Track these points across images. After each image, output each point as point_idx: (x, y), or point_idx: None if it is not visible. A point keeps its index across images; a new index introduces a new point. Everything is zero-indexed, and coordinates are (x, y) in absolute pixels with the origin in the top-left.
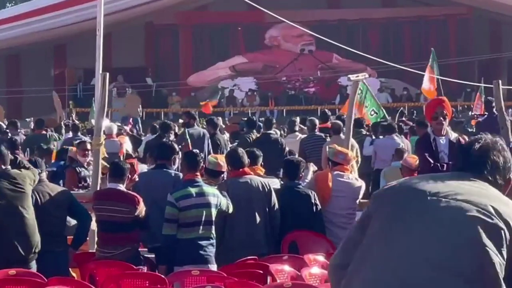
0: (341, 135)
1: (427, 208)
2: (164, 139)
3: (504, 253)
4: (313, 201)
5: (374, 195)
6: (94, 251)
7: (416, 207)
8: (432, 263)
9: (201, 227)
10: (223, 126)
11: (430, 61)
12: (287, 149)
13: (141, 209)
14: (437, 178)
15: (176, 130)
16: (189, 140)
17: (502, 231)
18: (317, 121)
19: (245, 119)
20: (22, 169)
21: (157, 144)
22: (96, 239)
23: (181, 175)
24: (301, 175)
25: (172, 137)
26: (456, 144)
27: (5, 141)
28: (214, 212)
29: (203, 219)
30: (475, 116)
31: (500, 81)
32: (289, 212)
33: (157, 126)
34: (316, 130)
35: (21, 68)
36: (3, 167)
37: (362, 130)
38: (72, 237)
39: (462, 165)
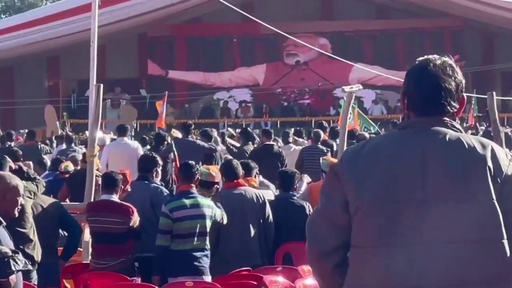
0: None
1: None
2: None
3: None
4: (307, 212)
5: (342, 171)
6: (88, 262)
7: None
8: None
9: (195, 238)
10: (218, 138)
11: None
12: (286, 162)
13: (135, 220)
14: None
15: (169, 140)
16: (176, 153)
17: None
18: (322, 133)
19: (238, 130)
20: (26, 181)
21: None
22: (90, 250)
23: (161, 188)
24: (295, 186)
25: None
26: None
27: (6, 152)
28: (208, 223)
29: (197, 230)
30: (471, 126)
31: (494, 93)
32: (283, 223)
33: (147, 138)
34: (319, 143)
35: (15, 80)
36: None
37: (354, 141)
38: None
39: (419, 111)
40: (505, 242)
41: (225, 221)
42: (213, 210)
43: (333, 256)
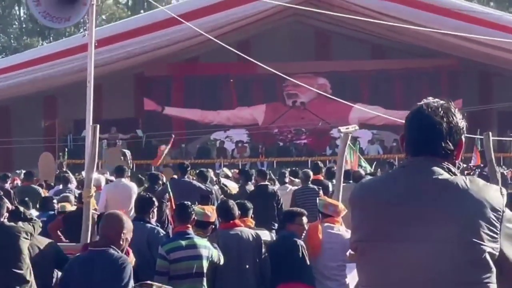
0: None
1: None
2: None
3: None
4: (305, 252)
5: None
6: None
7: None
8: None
9: (192, 279)
10: (214, 178)
11: None
12: (282, 202)
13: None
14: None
15: (164, 180)
16: (171, 193)
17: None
18: (311, 173)
19: (236, 170)
20: (23, 222)
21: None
22: None
23: (158, 228)
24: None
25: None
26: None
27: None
28: (205, 264)
29: (194, 271)
30: (469, 167)
31: (490, 133)
32: (283, 262)
33: (143, 178)
34: (310, 182)
35: (11, 120)
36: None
37: (351, 181)
38: None
39: (413, 152)
40: (489, 285)
41: (221, 262)
42: (209, 251)
43: None
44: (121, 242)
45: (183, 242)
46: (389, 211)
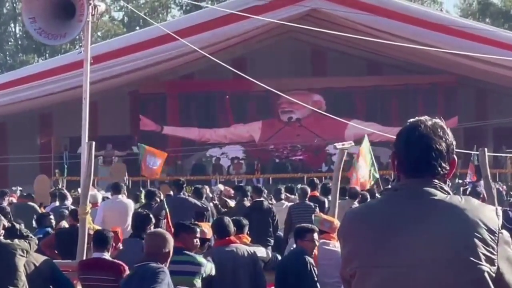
0: (356, 202)
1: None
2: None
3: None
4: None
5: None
6: None
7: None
8: None
9: None
10: (210, 195)
11: None
12: (277, 218)
13: (125, 277)
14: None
15: (162, 197)
16: (167, 210)
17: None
18: (308, 190)
19: (228, 188)
20: (19, 239)
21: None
22: None
23: None
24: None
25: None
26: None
27: None
28: (198, 281)
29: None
30: (465, 183)
31: (486, 149)
32: (291, 279)
33: (140, 195)
34: (307, 199)
35: (7, 137)
36: None
37: (346, 198)
38: None
39: (409, 172)
40: None
41: (213, 272)
42: (204, 268)
43: None
44: (167, 259)
45: (177, 258)
46: (385, 235)
